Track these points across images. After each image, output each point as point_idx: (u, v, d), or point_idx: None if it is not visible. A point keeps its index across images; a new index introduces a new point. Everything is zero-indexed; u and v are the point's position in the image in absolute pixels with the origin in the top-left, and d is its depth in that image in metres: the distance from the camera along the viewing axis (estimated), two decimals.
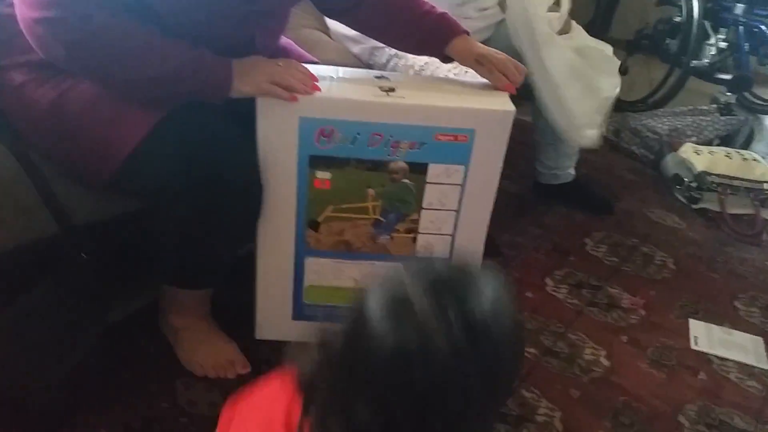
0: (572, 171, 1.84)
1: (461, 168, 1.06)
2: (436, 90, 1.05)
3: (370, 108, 0.99)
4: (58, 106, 0.95)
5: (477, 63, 1.10)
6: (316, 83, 0.99)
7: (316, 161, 1.04)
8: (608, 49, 1.59)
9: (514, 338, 0.55)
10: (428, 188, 1.08)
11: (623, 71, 2.44)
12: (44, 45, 0.88)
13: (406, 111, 1.00)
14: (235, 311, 1.20)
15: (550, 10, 1.50)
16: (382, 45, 1.40)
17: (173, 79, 0.92)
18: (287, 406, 0.64)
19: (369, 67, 1.54)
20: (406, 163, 1.05)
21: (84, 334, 1.06)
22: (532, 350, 1.31)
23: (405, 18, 1.12)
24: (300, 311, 1.20)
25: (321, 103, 0.98)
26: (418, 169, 1.05)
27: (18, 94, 0.97)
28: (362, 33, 1.28)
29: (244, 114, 0.99)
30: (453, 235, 1.13)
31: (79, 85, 0.95)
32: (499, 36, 1.54)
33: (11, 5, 0.94)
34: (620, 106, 2.40)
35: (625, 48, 2.53)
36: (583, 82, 1.48)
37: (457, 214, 1.11)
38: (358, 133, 1.01)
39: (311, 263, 1.14)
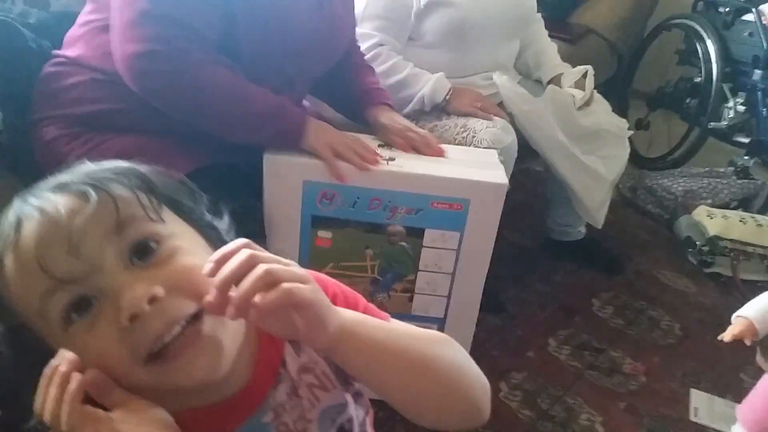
0: (582, 229, 1.86)
1: (456, 234, 1.10)
2: (434, 160, 1.10)
3: (370, 175, 1.05)
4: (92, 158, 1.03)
5: (379, 131, 1.19)
6: (377, 160, 1.06)
7: (318, 221, 1.09)
8: (623, 125, 1.64)
9: None
10: (424, 251, 1.12)
11: (645, 126, 2.48)
12: (141, 78, 0.96)
13: (404, 179, 1.05)
14: None
15: (576, 85, 1.57)
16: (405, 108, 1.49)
17: (255, 121, 1.02)
18: None
19: None
20: (404, 227, 1.09)
21: None
22: (527, 412, 1.32)
23: (344, 91, 1.28)
24: None
25: (324, 168, 1.04)
26: (415, 233, 1.10)
27: (50, 147, 1.05)
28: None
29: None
30: (448, 297, 1.17)
31: (110, 142, 1.03)
32: None
33: (57, 64, 1.04)
34: (639, 162, 2.42)
35: (648, 103, 2.55)
36: (590, 174, 1.56)
37: (452, 276, 1.14)
38: (358, 198, 1.06)
39: None
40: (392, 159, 1.08)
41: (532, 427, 1.29)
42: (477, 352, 1.41)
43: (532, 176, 2.20)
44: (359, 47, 1.38)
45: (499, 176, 1.07)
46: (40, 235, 0.47)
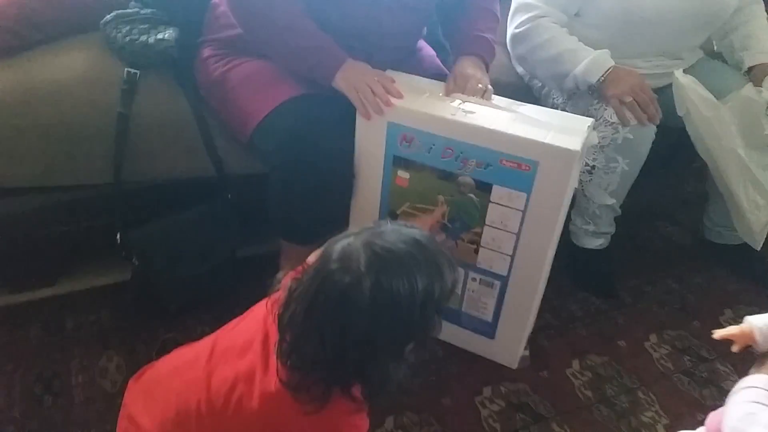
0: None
1: (524, 195, 1.11)
2: (514, 118, 1.11)
3: (445, 124, 1.11)
4: (224, 78, 1.26)
5: (453, 78, 1.21)
6: (389, 101, 1.13)
7: (399, 161, 1.19)
8: None
9: (399, 304, 0.74)
10: (491, 207, 1.15)
11: None
12: (232, 10, 1.18)
13: (476, 132, 1.09)
14: None
15: None
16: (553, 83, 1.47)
17: (298, 53, 1.17)
18: (266, 329, 0.85)
19: (529, 88, 1.60)
20: (474, 179, 1.14)
21: (217, 251, 1.39)
22: (588, 393, 1.29)
23: (453, 34, 1.33)
24: None
25: (406, 113, 1.13)
26: (484, 188, 1.14)
27: (203, 64, 1.31)
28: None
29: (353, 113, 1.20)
30: (512, 256, 1.19)
31: (241, 65, 1.25)
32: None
33: None
34: None
35: None
36: (761, 192, 1.40)
37: (517, 237, 1.16)
38: (433, 144, 1.13)
39: None
40: (472, 112, 1.12)
41: (586, 407, 1.26)
42: (563, 326, 1.43)
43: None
44: None
45: (573, 142, 1.04)
46: None
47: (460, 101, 1.15)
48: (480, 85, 1.18)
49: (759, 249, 1.50)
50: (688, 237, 1.80)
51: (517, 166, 1.09)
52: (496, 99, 1.18)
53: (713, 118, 1.35)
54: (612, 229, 1.55)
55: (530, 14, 1.40)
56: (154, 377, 0.95)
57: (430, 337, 0.82)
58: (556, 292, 1.53)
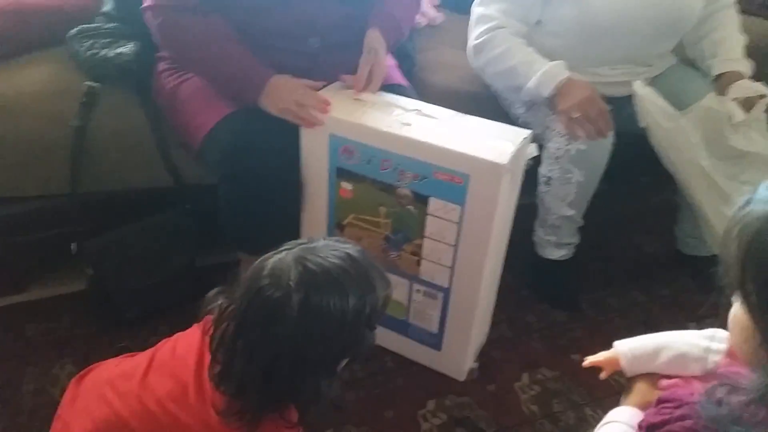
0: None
1: (458, 207, 1.12)
2: (449, 130, 1.12)
3: (381, 136, 1.12)
4: (176, 92, 1.30)
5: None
6: (317, 117, 1.16)
7: (342, 173, 1.20)
8: None
9: (329, 321, 0.75)
10: (429, 219, 1.16)
11: None
12: (151, 28, 1.21)
13: (410, 144, 1.10)
14: None
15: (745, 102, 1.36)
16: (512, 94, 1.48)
17: (222, 80, 1.21)
18: (202, 347, 0.86)
19: (497, 98, 1.60)
20: (411, 191, 1.15)
21: (174, 260, 1.42)
22: (534, 408, 1.28)
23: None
24: None
25: (345, 124, 1.15)
26: (421, 200, 1.15)
27: (159, 77, 1.34)
28: None
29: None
30: (452, 268, 1.19)
31: (191, 79, 1.29)
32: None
33: None
34: None
35: None
36: (728, 203, 1.36)
37: (455, 249, 1.17)
38: (372, 156, 1.15)
39: None
40: (408, 124, 1.13)
41: (529, 422, 1.25)
42: (517, 338, 1.42)
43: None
44: None
45: (502, 156, 1.05)
46: None
47: (400, 112, 1.16)
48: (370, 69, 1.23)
49: None
50: (659, 247, 1.78)
51: (450, 179, 1.09)
52: (439, 110, 1.19)
53: (673, 129, 1.34)
54: (575, 240, 1.54)
55: (488, 25, 1.41)
56: (92, 382, 0.95)
57: (363, 353, 0.82)
58: (515, 303, 1.52)
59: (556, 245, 1.53)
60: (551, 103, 1.33)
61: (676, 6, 1.39)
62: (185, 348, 0.90)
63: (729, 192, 1.36)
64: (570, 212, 1.43)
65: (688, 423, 0.61)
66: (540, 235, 1.54)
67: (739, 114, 1.33)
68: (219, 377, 0.79)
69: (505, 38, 1.39)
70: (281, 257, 0.79)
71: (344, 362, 0.82)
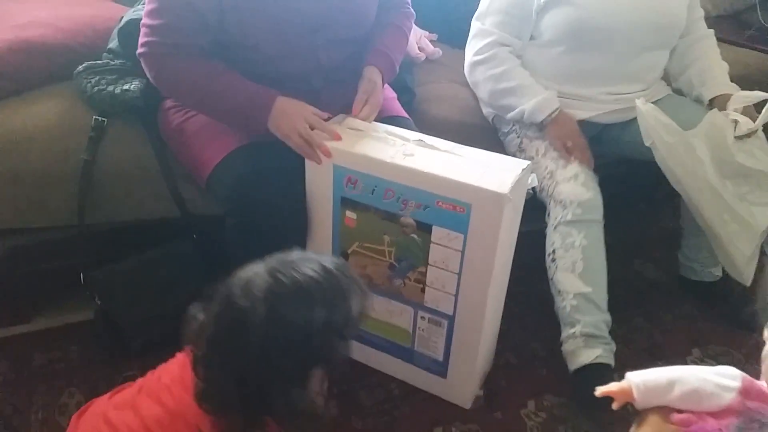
0: (717, 271, 1.64)
1: (461, 236, 1.13)
2: (450, 160, 1.14)
3: (384, 167, 1.14)
4: (181, 129, 1.32)
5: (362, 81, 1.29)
6: (327, 151, 1.16)
7: (346, 202, 1.22)
8: None
9: (293, 330, 0.77)
10: (433, 247, 1.17)
11: None
12: (146, 71, 1.24)
13: (412, 175, 1.12)
14: None
15: (745, 111, 1.39)
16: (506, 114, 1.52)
17: (226, 113, 1.22)
18: (184, 371, 0.88)
19: (495, 130, 1.63)
20: (415, 220, 1.17)
21: (180, 290, 1.43)
22: None
23: (370, 40, 1.35)
24: None
25: (348, 156, 1.17)
26: (425, 228, 1.16)
27: (165, 114, 1.37)
28: None
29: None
30: (456, 295, 1.21)
31: (196, 116, 1.31)
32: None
33: None
34: None
35: None
36: (740, 222, 1.38)
37: (459, 277, 1.18)
38: (375, 186, 1.17)
39: None
40: (410, 155, 1.15)
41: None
42: (523, 365, 1.43)
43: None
44: (407, 8, 1.42)
45: (503, 185, 1.07)
46: None
47: (402, 142, 1.19)
48: (368, 97, 1.27)
49: (749, 284, 1.46)
50: (662, 273, 1.79)
51: (453, 208, 1.11)
52: (440, 141, 1.21)
53: (678, 143, 1.35)
54: (605, 332, 1.34)
55: (487, 41, 1.48)
56: (90, 416, 0.97)
57: (336, 365, 0.82)
58: (520, 331, 1.53)
59: (585, 343, 1.32)
60: (545, 128, 1.44)
61: (665, 12, 1.46)
62: (169, 375, 0.92)
63: (740, 212, 1.36)
64: (585, 288, 1.33)
65: None
66: (565, 341, 1.36)
67: (744, 122, 1.34)
68: (201, 395, 0.80)
69: (506, 58, 1.48)
70: (257, 270, 0.81)
71: (317, 374, 0.82)
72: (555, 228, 1.38)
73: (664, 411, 0.85)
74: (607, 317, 1.36)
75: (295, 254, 0.84)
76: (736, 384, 0.83)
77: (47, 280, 1.45)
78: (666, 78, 1.62)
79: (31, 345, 1.43)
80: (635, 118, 1.39)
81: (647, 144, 1.37)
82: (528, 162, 1.16)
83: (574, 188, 1.36)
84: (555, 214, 1.38)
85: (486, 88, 1.53)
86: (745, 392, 0.83)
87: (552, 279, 1.39)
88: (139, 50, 1.21)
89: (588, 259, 1.35)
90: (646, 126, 1.36)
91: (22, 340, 1.45)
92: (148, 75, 1.24)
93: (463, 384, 1.31)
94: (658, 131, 1.35)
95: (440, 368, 1.31)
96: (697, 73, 1.53)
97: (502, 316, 1.37)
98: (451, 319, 1.24)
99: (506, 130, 1.59)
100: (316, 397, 0.82)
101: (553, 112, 1.43)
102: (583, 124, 1.48)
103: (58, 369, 1.38)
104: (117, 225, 1.41)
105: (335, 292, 0.80)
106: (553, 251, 1.38)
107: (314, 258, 0.83)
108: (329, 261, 0.83)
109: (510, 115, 1.50)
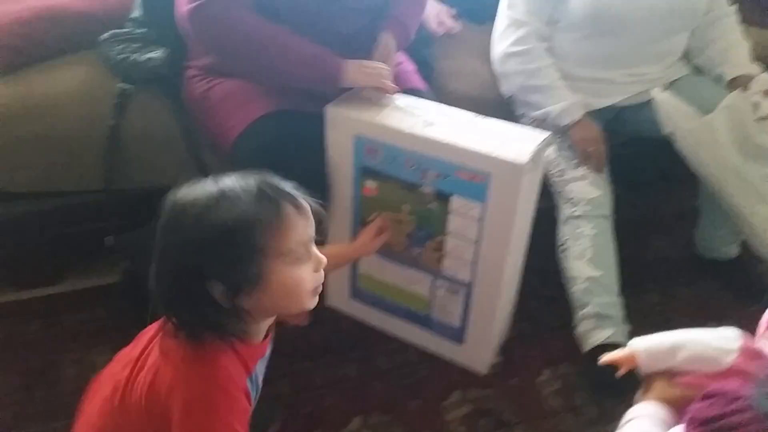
0: (733, 249, 1.64)
1: (479, 205, 1.14)
2: (471, 131, 1.14)
3: (405, 137, 1.15)
4: (206, 96, 1.34)
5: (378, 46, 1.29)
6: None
7: (367, 172, 1.24)
8: None
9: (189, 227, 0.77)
10: (451, 217, 1.19)
11: None
12: (197, 31, 1.21)
13: (432, 144, 1.13)
14: None
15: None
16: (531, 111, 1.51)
17: (294, 69, 1.20)
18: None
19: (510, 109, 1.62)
20: (434, 189, 1.18)
21: None
22: (557, 402, 1.30)
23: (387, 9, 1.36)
24: (356, 293, 1.43)
25: (369, 125, 1.18)
26: (444, 198, 1.18)
27: (188, 82, 1.38)
28: None
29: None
30: (474, 264, 1.22)
31: (219, 84, 1.32)
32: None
33: None
34: None
35: None
36: (765, 203, 1.37)
37: (476, 245, 1.20)
38: (396, 156, 1.18)
39: None
40: (430, 124, 1.16)
41: (552, 415, 1.28)
42: (539, 335, 1.44)
43: None
44: None
45: (521, 155, 1.07)
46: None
47: (421, 113, 1.19)
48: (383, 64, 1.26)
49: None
50: (679, 251, 1.78)
51: (472, 178, 1.12)
52: (460, 112, 1.21)
53: (697, 129, 1.35)
54: (617, 313, 1.36)
55: (523, 32, 1.45)
56: (97, 381, 0.98)
57: (239, 283, 0.77)
58: (537, 302, 1.54)
59: (596, 324, 1.35)
60: (564, 129, 1.44)
61: None
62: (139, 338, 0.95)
63: (764, 192, 1.36)
64: (596, 272, 1.35)
65: (747, 415, 0.62)
66: (578, 323, 1.39)
67: (766, 105, 1.33)
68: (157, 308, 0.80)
69: (541, 55, 1.46)
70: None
71: (220, 287, 0.76)
72: (565, 222, 1.42)
73: (669, 375, 0.86)
74: (619, 300, 1.37)
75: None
76: (738, 345, 0.84)
77: (74, 243, 1.49)
78: (686, 55, 1.59)
79: (60, 306, 1.48)
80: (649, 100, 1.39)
81: (666, 132, 1.37)
82: (548, 133, 1.16)
83: (583, 187, 1.39)
84: (564, 210, 1.42)
85: (517, 82, 1.50)
86: (747, 352, 0.84)
87: (564, 268, 1.42)
88: (192, 4, 1.18)
89: (597, 247, 1.37)
90: (663, 114, 1.35)
91: (51, 301, 1.49)
92: (197, 30, 1.21)
93: (480, 350, 1.34)
94: (676, 119, 1.35)
95: (457, 334, 1.34)
96: (719, 51, 1.50)
97: (521, 289, 1.39)
98: (469, 286, 1.26)
99: (519, 113, 1.58)
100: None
101: (579, 119, 1.42)
102: (602, 108, 1.48)
103: (87, 329, 1.43)
104: (142, 191, 1.43)
105: (248, 202, 0.78)
106: (564, 242, 1.41)
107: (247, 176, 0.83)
108: (260, 177, 0.83)
109: (535, 114, 1.47)
